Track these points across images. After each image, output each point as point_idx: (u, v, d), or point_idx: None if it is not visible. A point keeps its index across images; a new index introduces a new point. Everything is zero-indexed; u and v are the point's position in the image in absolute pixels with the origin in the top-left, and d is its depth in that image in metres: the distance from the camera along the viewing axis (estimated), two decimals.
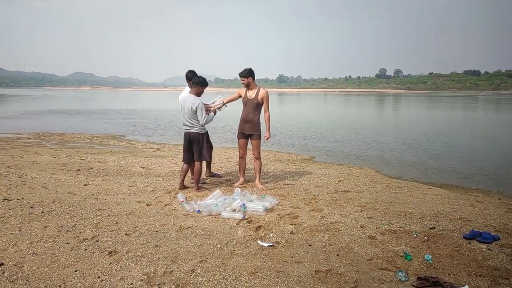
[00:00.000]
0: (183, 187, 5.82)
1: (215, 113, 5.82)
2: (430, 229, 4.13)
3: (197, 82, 5.60)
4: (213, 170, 6.92)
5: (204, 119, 5.51)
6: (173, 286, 2.90)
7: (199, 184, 5.83)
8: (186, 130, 5.65)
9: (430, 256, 3.42)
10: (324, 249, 3.61)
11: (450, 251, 3.56)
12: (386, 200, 5.31)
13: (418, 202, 5.25)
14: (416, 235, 3.93)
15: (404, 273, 3.12)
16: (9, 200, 5.04)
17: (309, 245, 3.69)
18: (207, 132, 5.75)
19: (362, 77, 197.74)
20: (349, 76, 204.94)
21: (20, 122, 18.96)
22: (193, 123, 5.55)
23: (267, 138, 5.92)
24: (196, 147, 5.61)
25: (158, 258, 3.37)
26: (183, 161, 5.83)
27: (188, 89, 5.99)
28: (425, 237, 3.86)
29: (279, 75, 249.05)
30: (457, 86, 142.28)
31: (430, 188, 6.25)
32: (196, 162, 5.68)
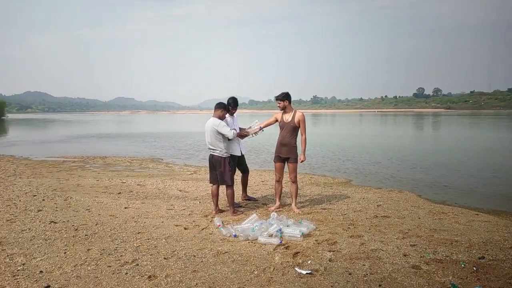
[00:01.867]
0: (219, 211, 5.85)
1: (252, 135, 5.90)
2: (479, 259, 3.90)
3: (217, 106, 5.75)
4: (248, 193, 6.92)
5: (231, 132, 5.57)
6: None
7: (235, 208, 5.84)
8: (210, 153, 5.75)
9: None
10: (365, 278, 3.48)
11: (503, 284, 3.33)
12: (429, 226, 5.07)
13: (464, 229, 4.98)
14: (464, 265, 3.71)
15: None
16: (55, 222, 5.27)
17: (349, 274, 3.58)
18: (230, 156, 5.77)
19: (399, 96, 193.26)
20: (385, 96, 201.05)
21: (66, 146, 19.96)
22: (215, 146, 5.61)
23: (302, 161, 5.87)
24: (218, 170, 5.66)
25: (196, 284, 3.38)
26: (210, 183, 5.88)
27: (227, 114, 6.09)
28: (474, 268, 3.64)
29: (313, 96, 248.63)
30: (501, 105, 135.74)
31: (477, 214, 5.92)
32: (226, 187, 5.72)
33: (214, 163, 5.69)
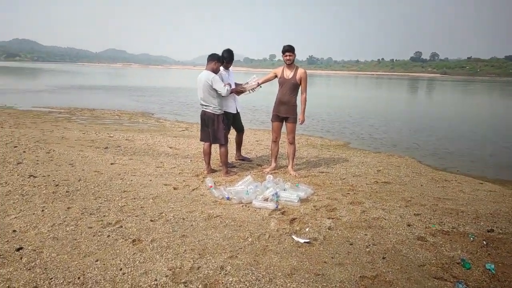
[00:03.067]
0: (211, 171, 5.51)
1: (248, 92, 5.44)
2: (488, 231, 3.66)
3: (210, 58, 5.20)
4: (242, 153, 6.58)
5: (225, 89, 5.08)
6: (200, 286, 2.61)
7: (228, 168, 5.51)
8: (202, 109, 5.30)
9: (493, 266, 2.97)
10: (367, 249, 3.22)
11: None
12: (433, 195, 4.82)
13: (469, 198, 4.74)
14: (473, 238, 3.47)
15: (464, 285, 2.70)
16: (34, 177, 4.90)
17: (351, 244, 3.31)
18: (223, 113, 5.32)
19: (396, 60, 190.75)
20: (382, 59, 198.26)
21: (54, 97, 19.24)
22: (208, 102, 5.16)
23: (302, 122, 5.50)
24: (211, 128, 5.25)
25: (185, 250, 3.09)
26: (201, 140, 5.51)
27: (221, 68, 5.61)
28: (484, 242, 3.40)
29: (309, 56, 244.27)
30: (497, 72, 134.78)
31: (481, 183, 5.68)
32: (219, 146, 5.34)
33: (207, 120, 5.26)
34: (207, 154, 5.46)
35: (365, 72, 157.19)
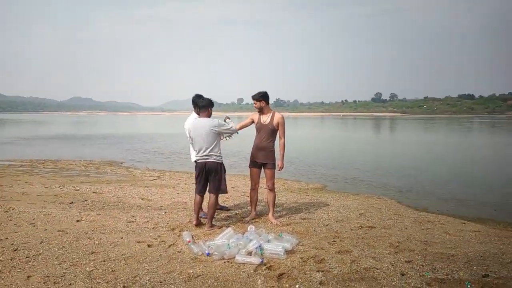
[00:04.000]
0: (199, 222, 5.14)
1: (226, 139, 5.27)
2: (483, 276, 3.52)
3: (205, 105, 5.04)
4: (220, 201, 6.28)
5: (232, 124, 5.05)
6: None
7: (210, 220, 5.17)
8: (202, 160, 4.95)
9: None
10: None
11: None
12: (419, 238, 4.68)
13: (456, 241, 4.63)
14: (470, 286, 3.31)
15: None
16: None
17: None
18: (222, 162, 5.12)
19: (358, 101, 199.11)
20: (345, 100, 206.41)
21: (14, 148, 18.32)
22: (212, 151, 4.89)
23: (281, 168, 5.35)
24: (214, 177, 4.94)
25: None
26: (196, 193, 5.14)
27: (194, 115, 5.45)
28: None
29: (276, 99, 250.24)
30: (452, 110, 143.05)
31: (464, 223, 5.63)
32: (211, 195, 5.03)
33: (209, 171, 4.93)
34: (198, 204, 5.13)
35: (330, 113, 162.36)
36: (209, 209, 5.07)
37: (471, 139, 28.31)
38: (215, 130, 4.88)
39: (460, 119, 78.82)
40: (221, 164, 5.01)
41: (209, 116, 5.04)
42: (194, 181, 5.26)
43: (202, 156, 4.93)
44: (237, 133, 5.39)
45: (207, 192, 5.11)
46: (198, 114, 5.36)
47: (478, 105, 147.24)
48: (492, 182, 10.29)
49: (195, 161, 5.14)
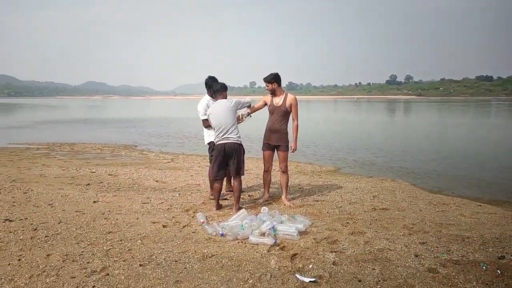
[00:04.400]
0: (219, 207, 5.13)
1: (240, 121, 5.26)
2: (499, 258, 3.48)
3: (219, 89, 5.03)
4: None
5: (246, 99, 5.25)
6: None
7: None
8: (221, 142, 4.88)
9: None
10: (378, 286, 2.99)
11: None
12: (434, 220, 4.65)
13: (472, 223, 4.58)
14: (486, 267, 3.28)
15: None
16: (10, 220, 4.52)
17: (359, 281, 3.07)
18: None
19: (373, 83, 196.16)
20: (359, 83, 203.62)
21: (31, 132, 18.68)
22: (231, 131, 4.84)
23: (294, 150, 5.32)
24: (234, 160, 4.88)
25: None
26: (214, 178, 5.06)
27: (207, 97, 5.43)
28: (498, 271, 3.21)
29: (289, 82, 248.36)
30: (469, 92, 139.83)
31: (480, 206, 5.56)
32: (235, 180, 4.99)
33: (229, 152, 4.86)
34: (219, 191, 5.10)
35: (343, 96, 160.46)
36: (235, 192, 5.06)
37: (487, 121, 27.72)
38: (234, 108, 4.89)
39: (476, 101, 77.07)
40: (241, 145, 4.96)
41: (225, 98, 5.03)
42: (207, 164, 5.27)
43: (222, 137, 4.87)
44: (250, 116, 5.37)
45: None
46: (211, 96, 5.35)
47: (497, 87, 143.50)
48: (509, 164, 10.10)
49: (212, 143, 5.15)
